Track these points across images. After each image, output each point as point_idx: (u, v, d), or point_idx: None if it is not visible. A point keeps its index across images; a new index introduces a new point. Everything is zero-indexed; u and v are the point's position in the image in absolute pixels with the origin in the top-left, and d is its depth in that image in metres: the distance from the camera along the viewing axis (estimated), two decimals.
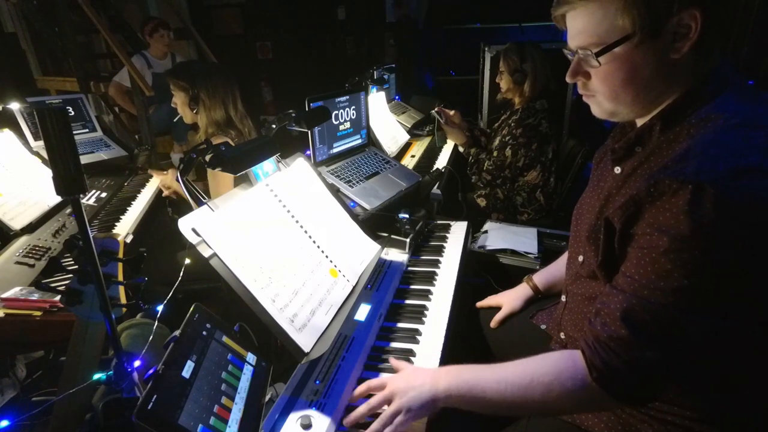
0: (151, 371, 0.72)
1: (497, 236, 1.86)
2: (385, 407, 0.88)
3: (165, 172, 2.17)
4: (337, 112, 1.89)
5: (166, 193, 2.12)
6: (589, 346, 0.78)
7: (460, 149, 2.59)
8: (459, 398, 0.86)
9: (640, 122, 0.85)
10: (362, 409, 0.89)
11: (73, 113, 2.49)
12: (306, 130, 1.53)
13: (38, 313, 1.10)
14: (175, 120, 2.23)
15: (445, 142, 2.82)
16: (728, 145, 0.68)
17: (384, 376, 0.99)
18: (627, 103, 0.81)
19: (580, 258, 0.97)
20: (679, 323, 0.70)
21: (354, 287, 1.16)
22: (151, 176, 2.36)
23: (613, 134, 0.95)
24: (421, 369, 0.96)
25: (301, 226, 1.15)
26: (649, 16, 0.71)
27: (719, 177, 0.65)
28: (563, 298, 1.07)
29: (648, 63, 0.75)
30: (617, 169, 0.88)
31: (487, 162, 2.38)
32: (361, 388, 0.93)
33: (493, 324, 1.28)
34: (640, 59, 0.75)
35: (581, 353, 0.80)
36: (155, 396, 0.67)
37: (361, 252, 1.28)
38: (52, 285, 0.96)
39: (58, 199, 1.60)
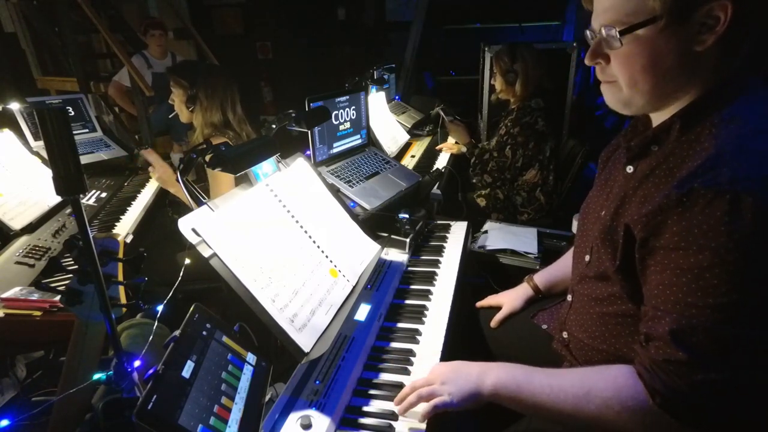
0: (151, 371, 0.71)
1: (497, 236, 1.86)
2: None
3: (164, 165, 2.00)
4: (337, 112, 1.89)
5: (155, 177, 1.96)
6: (647, 370, 0.75)
7: (463, 149, 2.60)
8: (506, 396, 0.85)
9: (656, 120, 0.84)
10: (406, 389, 0.90)
11: (73, 113, 2.50)
12: (306, 130, 1.53)
13: (38, 313, 1.10)
14: (170, 116, 2.21)
15: (446, 140, 2.82)
16: (760, 151, 0.67)
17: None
18: (644, 92, 0.78)
19: (587, 258, 0.96)
20: (735, 339, 0.68)
21: (354, 287, 1.16)
22: (150, 177, 2.28)
23: (625, 133, 0.93)
24: (469, 362, 0.93)
25: (301, 226, 1.15)
26: (680, 1, 0.70)
27: (756, 185, 0.64)
28: (568, 297, 1.07)
29: (670, 51, 0.73)
30: (629, 168, 0.86)
31: (491, 163, 2.39)
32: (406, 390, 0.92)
33: (493, 324, 1.27)
34: (663, 46, 0.73)
35: (639, 376, 0.77)
36: (155, 396, 0.67)
37: (361, 252, 1.28)
38: (52, 285, 0.97)
39: (58, 199, 1.60)
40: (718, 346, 0.69)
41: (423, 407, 0.86)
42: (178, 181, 1.01)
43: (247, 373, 0.87)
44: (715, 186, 0.66)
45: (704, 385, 0.70)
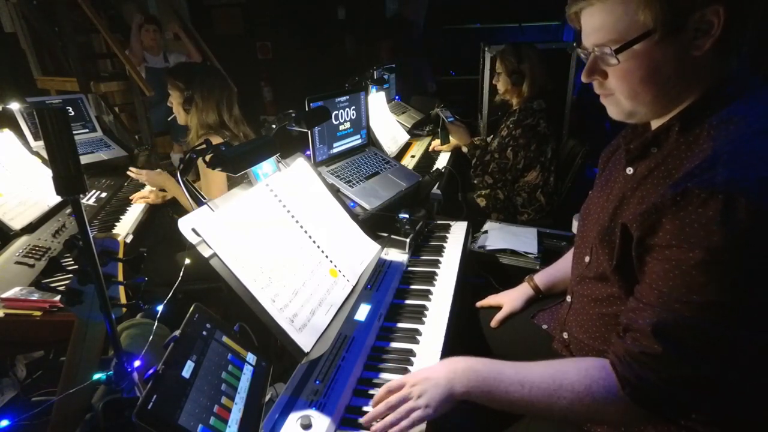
0: (151, 371, 0.72)
1: (497, 236, 1.86)
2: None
3: (143, 174, 2.01)
4: (337, 112, 1.89)
5: (152, 199, 2.04)
6: (620, 360, 0.76)
7: (464, 149, 2.59)
8: (478, 396, 0.85)
9: (656, 123, 0.84)
10: (381, 407, 0.88)
11: (73, 113, 2.50)
12: (306, 130, 1.53)
13: (38, 313, 1.10)
14: (169, 119, 2.22)
15: (449, 141, 2.81)
16: (757, 152, 0.67)
17: (398, 377, 0.98)
18: (646, 102, 0.79)
19: (587, 259, 0.96)
20: (717, 338, 0.69)
21: (354, 287, 1.16)
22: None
23: (625, 134, 0.93)
24: (436, 366, 0.93)
25: (301, 226, 1.15)
26: (671, 11, 0.69)
27: (751, 187, 0.64)
28: (568, 298, 1.07)
29: (668, 60, 0.73)
30: (629, 170, 0.87)
31: (492, 164, 2.38)
32: (381, 392, 0.91)
33: (493, 324, 1.27)
34: (660, 56, 0.73)
35: (611, 366, 0.78)
36: (155, 396, 0.67)
37: (361, 252, 1.28)
38: (52, 285, 0.96)
39: (58, 199, 1.60)
40: (698, 343, 0.70)
41: (402, 423, 0.84)
42: (178, 182, 1.01)
43: (247, 373, 0.87)
44: (710, 186, 0.66)
45: (676, 380, 0.72)
